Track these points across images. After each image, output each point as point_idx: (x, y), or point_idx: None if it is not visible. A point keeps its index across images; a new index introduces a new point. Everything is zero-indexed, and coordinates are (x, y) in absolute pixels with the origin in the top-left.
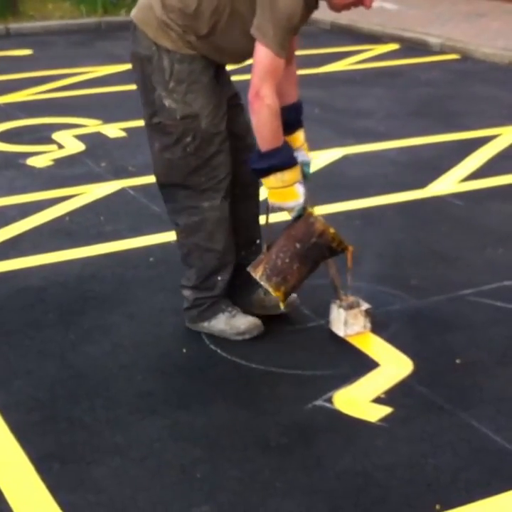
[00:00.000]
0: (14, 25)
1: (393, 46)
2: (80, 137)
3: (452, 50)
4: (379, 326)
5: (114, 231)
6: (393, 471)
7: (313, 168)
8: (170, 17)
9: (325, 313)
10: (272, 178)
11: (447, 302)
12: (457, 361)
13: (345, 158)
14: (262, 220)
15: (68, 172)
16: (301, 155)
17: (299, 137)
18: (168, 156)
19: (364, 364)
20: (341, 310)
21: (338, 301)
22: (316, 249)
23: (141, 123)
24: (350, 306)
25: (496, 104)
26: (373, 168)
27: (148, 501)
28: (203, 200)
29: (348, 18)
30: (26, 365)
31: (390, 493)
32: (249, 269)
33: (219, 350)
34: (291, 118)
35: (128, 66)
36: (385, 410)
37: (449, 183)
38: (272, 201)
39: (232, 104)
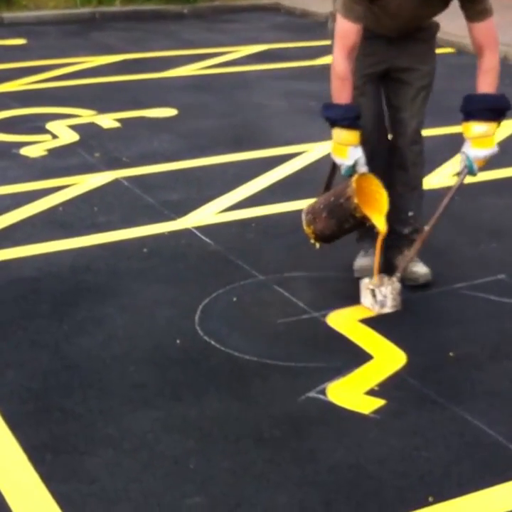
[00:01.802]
0: (8, 15)
1: None
2: (74, 127)
3: (447, 44)
4: (373, 319)
5: (107, 222)
6: (386, 464)
7: (309, 160)
8: None
9: (318, 306)
10: (334, 132)
11: (441, 296)
12: (450, 355)
13: None
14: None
15: (62, 162)
16: (466, 146)
17: (469, 128)
18: None
19: (357, 356)
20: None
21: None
22: (340, 210)
23: (135, 114)
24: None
25: None
26: None
27: (140, 492)
28: None
29: None
30: (19, 355)
31: (382, 486)
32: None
33: (212, 342)
34: (462, 106)
35: (122, 56)
36: (378, 403)
37: (443, 176)
38: (331, 151)
39: (397, 77)
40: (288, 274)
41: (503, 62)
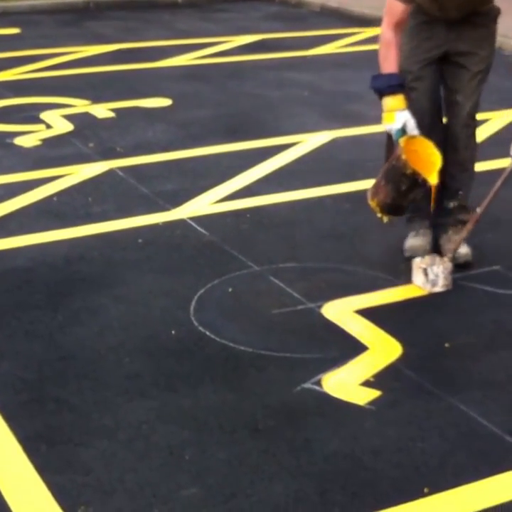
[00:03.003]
0: (1, 4)
1: None
2: (68, 117)
3: None
4: (368, 310)
5: (102, 212)
6: (381, 455)
7: (304, 150)
8: None
9: (314, 297)
10: (382, 101)
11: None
12: (446, 345)
13: (334, 142)
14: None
15: (56, 152)
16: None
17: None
18: None
19: (353, 347)
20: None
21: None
22: (394, 172)
23: (129, 103)
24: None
25: (485, 89)
26: (362, 152)
27: (135, 483)
28: None
29: (338, 0)
30: (14, 346)
31: (378, 476)
32: None
33: (208, 333)
34: None
35: (117, 46)
36: (374, 393)
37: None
38: (382, 122)
39: (455, 61)
40: (283, 264)
41: (498, 52)
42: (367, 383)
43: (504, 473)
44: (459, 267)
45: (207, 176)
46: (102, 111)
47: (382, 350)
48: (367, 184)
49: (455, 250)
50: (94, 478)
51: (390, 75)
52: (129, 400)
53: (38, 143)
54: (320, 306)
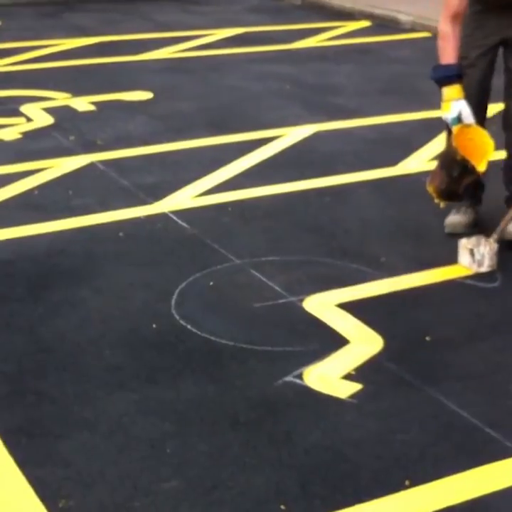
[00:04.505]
0: None
1: (364, 23)
2: (49, 110)
3: (423, 28)
4: (349, 304)
5: (83, 205)
6: (362, 447)
7: (285, 144)
8: None
9: (295, 290)
10: (441, 91)
11: (417, 279)
12: (426, 338)
13: (316, 135)
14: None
15: (36, 145)
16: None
17: None
18: None
19: (334, 341)
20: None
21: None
22: (446, 158)
23: (110, 97)
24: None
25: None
26: (344, 145)
27: (116, 475)
28: None
29: None
30: None
31: (358, 469)
32: None
33: (189, 326)
34: None
35: (97, 39)
36: (355, 386)
37: (420, 161)
38: (441, 112)
39: None
40: (264, 258)
41: None
42: (348, 376)
43: (485, 466)
44: (508, 244)
45: (188, 169)
46: (83, 104)
47: (364, 343)
48: (349, 177)
49: (502, 231)
50: (74, 470)
51: (448, 66)
52: (109, 393)
53: (19, 136)
54: (301, 300)
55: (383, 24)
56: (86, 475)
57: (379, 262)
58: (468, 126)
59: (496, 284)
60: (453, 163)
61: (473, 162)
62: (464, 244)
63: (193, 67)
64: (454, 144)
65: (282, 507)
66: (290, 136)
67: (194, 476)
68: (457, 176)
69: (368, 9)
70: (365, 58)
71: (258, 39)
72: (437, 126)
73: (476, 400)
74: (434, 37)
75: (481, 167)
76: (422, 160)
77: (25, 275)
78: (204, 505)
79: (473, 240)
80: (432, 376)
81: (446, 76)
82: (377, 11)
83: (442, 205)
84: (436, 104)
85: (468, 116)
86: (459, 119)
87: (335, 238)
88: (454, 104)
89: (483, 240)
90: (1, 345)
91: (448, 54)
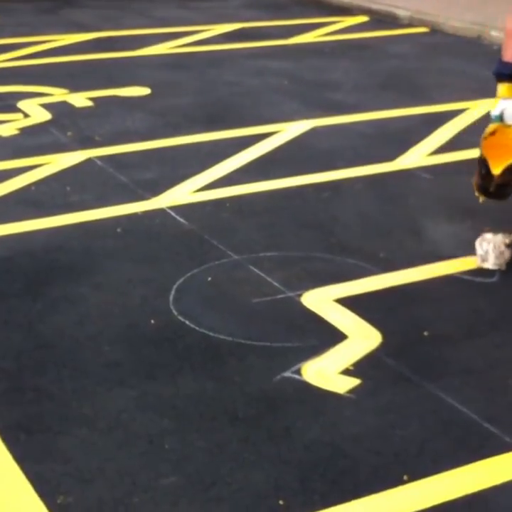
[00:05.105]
0: None
1: (362, 18)
2: (46, 106)
3: (421, 23)
4: (348, 299)
5: (80, 201)
6: (361, 442)
7: (283, 139)
8: None
9: (293, 286)
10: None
11: (415, 275)
12: (425, 334)
13: (314, 131)
14: None
15: (34, 141)
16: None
17: None
18: None
19: (333, 336)
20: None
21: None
22: (480, 157)
23: (107, 92)
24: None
25: (464, 78)
26: (342, 141)
27: (115, 472)
28: None
29: None
30: None
31: (357, 464)
32: None
33: (187, 322)
34: None
35: (95, 34)
36: (354, 382)
37: (417, 156)
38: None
39: None
40: (263, 253)
41: (477, 41)
42: (347, 372)
43: (483, 460)
44: None
45: (186, 165)
46: (80, 100)
47: (362, 338)
48: (347, 173)
49: None
50: (73, 467)
51: (503, 63)
52: (108, 389)
53: (16, 132)
54: (300, 295)
55: (381, 19)
56: (85, 471)
57: (377, 258)
58: (507, 126)
59: (494, 280)
60: (481, 161)
61: (490, 163)
62: (481, 236)
63: (191, 63)
64: (482, 141)
65: (281, 502)
66: (288, 131)
67: (193, 472)
68: (484, 174)
69: (366, 4)
70: (363, 53)
71: (256, 34)
72: (435, 121)
73: (475, 396)
74: (432, 32)
75: (496, 170)
76: (421, 155)
77: (23, 271)
78: (203, 501)
79: (490, 235)
80: (431, 371)
81: (500, 73)
82: (375, 6)
83: (481, 199)
84: (434, 100)
85: (510, 118)
86: (501, 118)
87: (333, 233)
88: (501, 102)
89: (497, 237)
90: (0, 341)
91: (508, 52)
